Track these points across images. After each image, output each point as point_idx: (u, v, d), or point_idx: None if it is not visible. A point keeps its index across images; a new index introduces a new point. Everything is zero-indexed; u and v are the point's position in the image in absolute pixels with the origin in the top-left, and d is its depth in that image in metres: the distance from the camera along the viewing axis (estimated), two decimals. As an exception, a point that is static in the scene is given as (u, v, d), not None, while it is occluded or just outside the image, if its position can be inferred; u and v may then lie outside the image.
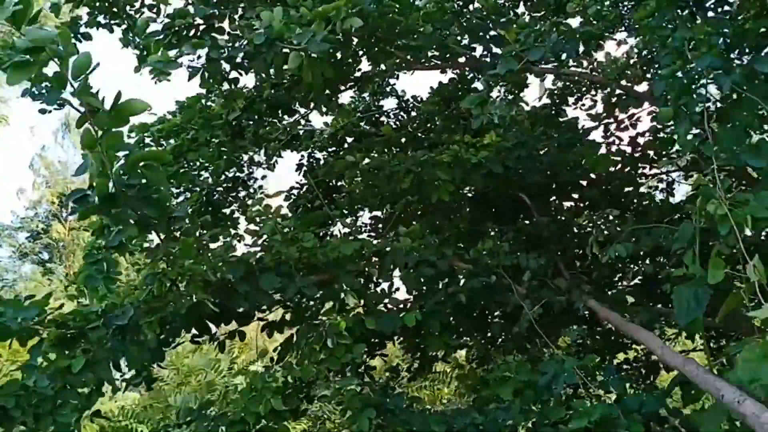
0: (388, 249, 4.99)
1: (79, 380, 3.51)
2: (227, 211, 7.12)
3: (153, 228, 3.44)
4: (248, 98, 6.13)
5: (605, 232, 5.06)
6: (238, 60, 5.01)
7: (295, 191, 7.63)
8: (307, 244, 4.48)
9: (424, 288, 5.15)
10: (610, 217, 5.08)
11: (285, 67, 4.53)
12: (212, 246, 4.48)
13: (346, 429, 6.63)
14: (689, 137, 4.07)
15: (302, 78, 5.65)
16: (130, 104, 2.94)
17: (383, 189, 6.85)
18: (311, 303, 4.82)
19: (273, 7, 4.87)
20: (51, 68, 2.77)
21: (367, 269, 5.11)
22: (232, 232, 5.17)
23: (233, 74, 5.45)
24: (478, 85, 6.81)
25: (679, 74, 4.08)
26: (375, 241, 5.27)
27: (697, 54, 3.98)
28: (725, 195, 3.73)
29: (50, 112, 5.53)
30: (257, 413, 4.19)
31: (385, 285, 5.28)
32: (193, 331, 4.75)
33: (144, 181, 3.13)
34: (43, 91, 5.14)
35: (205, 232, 4.73)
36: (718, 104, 4.71)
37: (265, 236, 4.53)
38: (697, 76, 4.10)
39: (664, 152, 6.09)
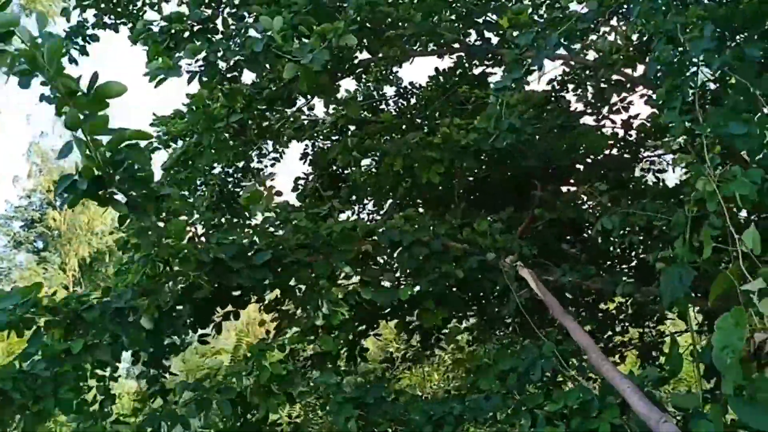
0: (381, 229, 4.98)
1: (78, 361, 3.55)
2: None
3: (141, 208, 3.45)
4: (247, 97, 6.20)
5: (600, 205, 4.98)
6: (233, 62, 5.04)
7: (301, 181, 7.71)
8: (300, 222, 4.49)
9: (418, 268, 5.13)
10: (602, 188, 4.95)
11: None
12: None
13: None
14: (680, 119, 4.08)
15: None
16: (108, 86, 2.91)
17: (382, 179, 6.91)
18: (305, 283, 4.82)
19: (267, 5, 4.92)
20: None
21: (361, 249, 5.09)
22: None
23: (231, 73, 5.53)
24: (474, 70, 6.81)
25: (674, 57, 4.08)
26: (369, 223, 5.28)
27: (690, 38, 3.93)
28: (714, 172, 3.68)
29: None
30: (253, 380, 4.24)
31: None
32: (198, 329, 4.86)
33: (128, 161, 3.16)
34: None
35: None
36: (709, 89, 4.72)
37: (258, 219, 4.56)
38: (689, 61, 4.08)
39: (657, 135, 5.99)
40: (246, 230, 4.68)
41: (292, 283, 4.75)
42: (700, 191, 3.84)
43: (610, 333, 6.56)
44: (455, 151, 5.22)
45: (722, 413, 3.47)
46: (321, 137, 7.68)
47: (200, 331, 4.83)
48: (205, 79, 5.07)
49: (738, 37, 4.33)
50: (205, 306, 4.47)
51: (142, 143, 3.23)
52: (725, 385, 3.17)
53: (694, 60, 4.02)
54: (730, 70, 4.07)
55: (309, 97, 6.91)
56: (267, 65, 4.92)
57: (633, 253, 6.12)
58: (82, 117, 2.88)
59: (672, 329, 6.84)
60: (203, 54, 4.85)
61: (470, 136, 5.01)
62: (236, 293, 4.58)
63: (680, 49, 4.02)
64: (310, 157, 7.72)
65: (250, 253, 4.35)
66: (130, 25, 6.20)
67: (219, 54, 4.81)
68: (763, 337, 3.07)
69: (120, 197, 3.34)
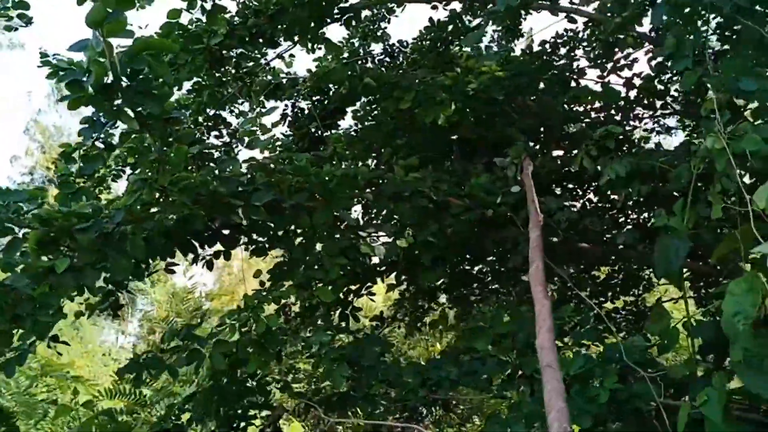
0: (382, 179, 5.03)
1: (61, 282, 3.44)
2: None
3: (149, 127, 3.40)
4: (230, 24, 6.07)
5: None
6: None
7: (279, 142, 7.68)
8: (300, 162, 4.49)
9: (418, 220, 5.21)
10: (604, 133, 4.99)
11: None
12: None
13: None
14: (692, 68, 4.19)
15: (286, 5, 5.70)
16: None
17: (372, 134, 6.94)
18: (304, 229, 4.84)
19: None
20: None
21: (361, 198, 5.14)
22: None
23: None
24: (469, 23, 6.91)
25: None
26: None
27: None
28: (724, 128, 3.76)
29: (17, 29, 5.46)
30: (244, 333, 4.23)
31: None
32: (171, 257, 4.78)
33: (146, 72, 3.10)
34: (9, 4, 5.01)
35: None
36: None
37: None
38: (699, 6, 4.24)
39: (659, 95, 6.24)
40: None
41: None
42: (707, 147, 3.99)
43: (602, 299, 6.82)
44: (463, 94, 5.29)
45: (726, 381, 3.51)
46: (301, 97, 7.69)
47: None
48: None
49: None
50: (194, 239, 4.42)
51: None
52: (733, 353, 3.27)
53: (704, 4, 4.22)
54: (742, 15, 4.28)
55: (292, 40, 6.86)
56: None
57: (628, 219, 6.35)
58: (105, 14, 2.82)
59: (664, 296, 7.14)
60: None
61: (480, 79, 5.11)
62: (226, 231, 4.55)
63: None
64: (289, 118, 7.71)
65: (247, 190, 4.31)
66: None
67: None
68: (775, 302, 3.21)
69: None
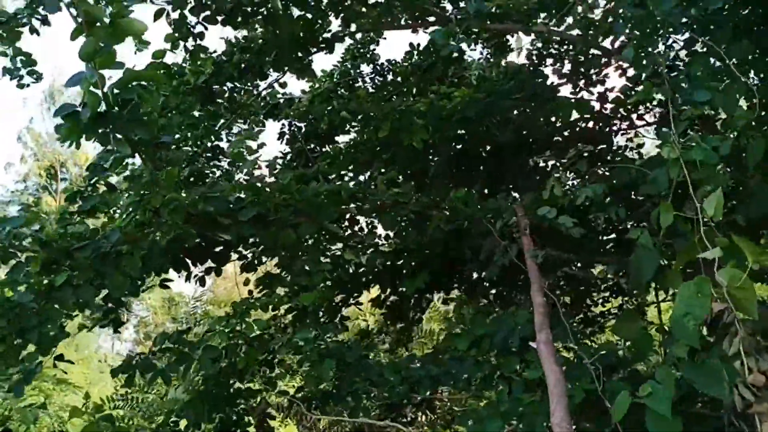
0: (365, 193, 5.40)
1: (61, 297, 3.83)
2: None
3: (140, 152, 3.79)
4: (216, 63, 6.50)
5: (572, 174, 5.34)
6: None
7: (279, 160, 8.09)
8: (285, 181, 4.86)
9: (400, 230, 5.56)
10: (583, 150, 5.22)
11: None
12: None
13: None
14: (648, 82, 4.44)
15: (273, 36, 6.10)
16: (131, 22, 3.20)
17: (360, 153, 7.33)
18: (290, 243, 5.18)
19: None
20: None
21: (346, 213, 5.51)
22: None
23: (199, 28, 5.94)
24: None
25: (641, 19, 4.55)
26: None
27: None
28: (679, 139, 3.99)
29: (28, 85, 5.90)
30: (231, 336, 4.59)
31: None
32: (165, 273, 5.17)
33: (136, 101, 3.47)
34: (18, 65, 5.46)
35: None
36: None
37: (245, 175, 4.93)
38: (658, 23, 4.56)
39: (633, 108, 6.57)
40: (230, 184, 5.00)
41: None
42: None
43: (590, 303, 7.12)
44: (438, 119, 5.66)
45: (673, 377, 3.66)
46: (297, 117, 8.10)
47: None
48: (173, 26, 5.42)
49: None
50: (186, 256, 4.80)
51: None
52: (678, 349, 3.52)
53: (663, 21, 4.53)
54: (703, 33, 4.58)
55: (280, 71, 7.30)
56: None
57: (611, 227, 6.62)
58: (97, 47, 3.18)
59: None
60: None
61: (454, 101, 5.47)
62: (217, 249, 4.92)
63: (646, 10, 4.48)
64: (287, 136, 8.11)
65: (235, 208, 4.67)
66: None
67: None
68: (721, 308, 3.33)
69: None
